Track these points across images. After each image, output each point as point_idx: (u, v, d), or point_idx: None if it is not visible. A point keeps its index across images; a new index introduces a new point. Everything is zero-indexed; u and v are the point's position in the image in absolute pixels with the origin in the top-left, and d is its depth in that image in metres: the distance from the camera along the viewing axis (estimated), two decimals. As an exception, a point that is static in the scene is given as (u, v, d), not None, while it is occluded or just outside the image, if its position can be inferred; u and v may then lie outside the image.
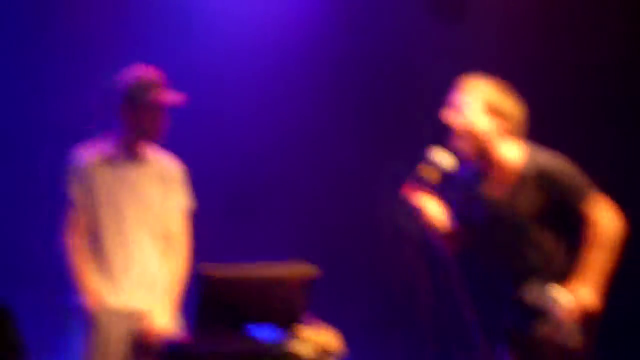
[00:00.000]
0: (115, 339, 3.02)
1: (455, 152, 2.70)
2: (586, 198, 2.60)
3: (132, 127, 3.11)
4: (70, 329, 3.10)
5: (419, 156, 2.67)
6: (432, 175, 2.67)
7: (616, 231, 2.59)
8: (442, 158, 2.66)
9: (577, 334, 2.56)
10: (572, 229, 2.67)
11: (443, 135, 2.72)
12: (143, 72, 3.15)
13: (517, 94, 2.72)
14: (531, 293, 2.62)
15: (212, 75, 4.60)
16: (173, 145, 3.29)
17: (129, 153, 3.16)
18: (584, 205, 2.60)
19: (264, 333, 2.51)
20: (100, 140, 3.21)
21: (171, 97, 3.11)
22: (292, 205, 4.63)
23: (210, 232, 3.59)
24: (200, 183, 3.38)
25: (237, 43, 4.69)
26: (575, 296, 2.53)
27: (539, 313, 2.58)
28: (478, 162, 2.72)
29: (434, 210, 2.71)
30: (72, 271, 3.06)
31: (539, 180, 2.61)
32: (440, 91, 2.88)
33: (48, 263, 3.48)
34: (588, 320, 2.56)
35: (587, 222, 2.60)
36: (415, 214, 2.69)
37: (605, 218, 2.58)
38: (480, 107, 2.64)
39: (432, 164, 2.66)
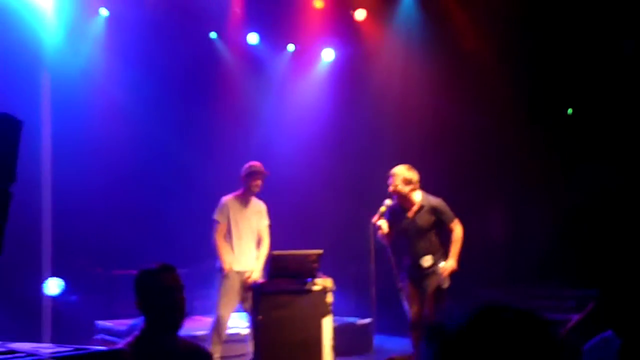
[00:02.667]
0: (236, 284, 5.79)
1: (392, 198, 5.33)
2: (452, 220, 5.19)
3: (248, 189, 5.89)
4: (216, 279, 5.89)
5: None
6: (383, 210, 5.32)
7: (462, 236, 5.17)
8: (387, 202, 5.30)
9: (446, 281, 5.17)
10: (443, 235, 5.27)
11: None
12: (252, 164, 5.91)
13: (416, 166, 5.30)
14: (426, 262, 5.23)
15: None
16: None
17: (245, 199, 5.94)
18: (450, 224, 5.18)
19: (301, 281, 5.27)
20: (235, 193, 5.95)
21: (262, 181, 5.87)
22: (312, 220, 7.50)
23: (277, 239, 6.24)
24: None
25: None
26: (447, 263, 5.14)
27: (429, 270, 5.22)
28: (402, 202, 5.33)
29: (384, 225, 5.34)
30: (218, 251, 5.83)
31: (430, 210, 5.21)
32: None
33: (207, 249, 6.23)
34: (451, 274, 5.17)
35: (451, 231, 5.19)
36: (378, 228, 5.35)
37: (458, 230, 5.18)
38: (402, 179, 5.24)
39: (385, 205, 5.31)
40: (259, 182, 5.85)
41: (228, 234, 5.86)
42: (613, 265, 6.83)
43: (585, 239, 7.08)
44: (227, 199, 5.91)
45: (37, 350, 2.22)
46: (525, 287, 7.25)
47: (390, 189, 5.26)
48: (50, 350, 2.26)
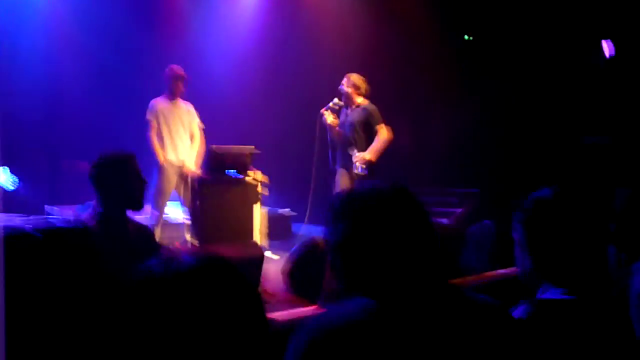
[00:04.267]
0: (172, 175, 6.29)
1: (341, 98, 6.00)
2: (378, 123, 5.90)
3: (172, 91, 6.30)
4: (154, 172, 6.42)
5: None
6: (333, 106, 6.00)
7: (386, 139, 5.93)
8: (336, 100, 6.03)
9: (358, 167, 5.86)
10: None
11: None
12: (172, 66, 6.31)
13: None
14: (351, 150, 5.91)
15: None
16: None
17: (171, 99, 6.33)
18: (376, 126, 5.90)
19: (235, 174, 5.96)
20: (162, 95, 6.34)
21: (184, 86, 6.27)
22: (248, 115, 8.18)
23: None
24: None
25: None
26: (363, 153, 5.87)
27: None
28: (346, 101, 5.99)
29: (329, 116, 6.03)
30: (152, 146, 6.26)
31: (363, 110, 5.91)
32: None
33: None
34: (370, 164, 5.89)
35: (377, 133, 5.94)
36: (322, 116, 6.00)
37: (382, 132, 5.90)
38: (351, 83, 5.91)
39: (333, 102, 5.99)
40: (181, 86, 6.24)
41: (160, 131, 6.23)
42: (492, 171, 7.90)
43: (472, 149, 8.17)
44: (156, 100, 6.29)
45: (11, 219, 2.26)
46: (420, 187, 8.31)
47: (344, 86, 5.91)
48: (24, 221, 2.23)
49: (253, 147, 6.02)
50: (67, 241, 1.24)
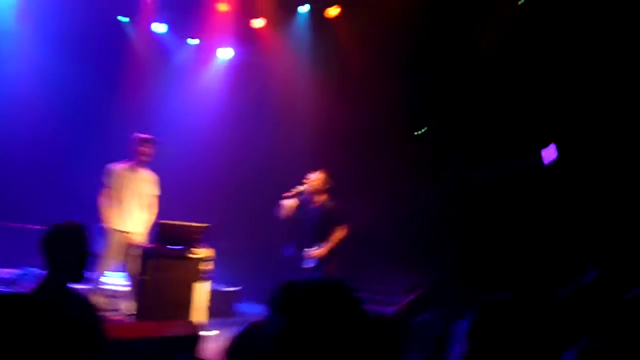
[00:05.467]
0: (119, 243, 6.14)
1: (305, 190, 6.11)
2: (339, 225, 6.05)
3: (138, 157, 6.26)
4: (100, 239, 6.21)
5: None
6: (295, 195, 6.09)
7: (340, 237, 6.03)
8: (301, 188, 6.11)
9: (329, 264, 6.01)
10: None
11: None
12: (144, 136, 6.28)
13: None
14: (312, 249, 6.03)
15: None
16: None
17: (135, 166, 6.28)
18: (336, 227, 6.05)
19: (181, 249, 5.82)
20: (125, 161, 6.27)
21: (154, 148, 6.26)
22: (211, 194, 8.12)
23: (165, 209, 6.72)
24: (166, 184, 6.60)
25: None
26: (316, 250, 5.98)
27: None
28: (312, 197, 6.13)
29: (287, 203, 6.13)
30: (101, 211, 6.14)
31: (326, 210, 6.07)
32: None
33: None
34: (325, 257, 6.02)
35: (334, 232, 6.03)
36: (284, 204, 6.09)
37: (340, 232, 6.04)
38: (318, 181, 6.08)
39: (298, 190, 6.09)
40: (148, 150, 6.19)
41: (116, 199, 6.15)
42: (443, 258, 7.92)
43: (425, 237, 8.24)
44: (117, 165, 6.23)
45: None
46: (367, 273, 8.28)
47: (308, 184, 6.13)
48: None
49: (205, 224, 5.93)
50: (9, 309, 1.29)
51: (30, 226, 6.25)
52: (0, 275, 6.51)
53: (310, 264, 6.04)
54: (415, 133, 9.10)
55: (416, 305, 7.14)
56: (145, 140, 6.23)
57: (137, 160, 6.24)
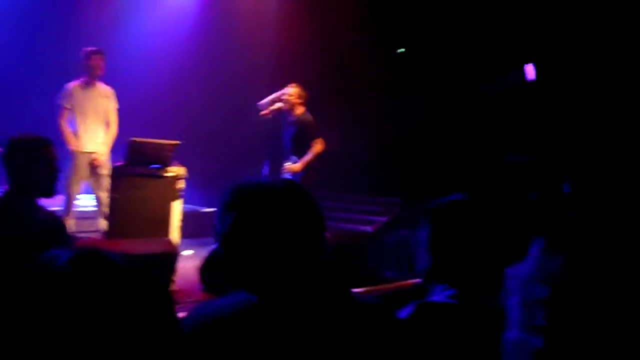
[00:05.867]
0: (84, 164, 6.00)
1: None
2: (313, 138, 6.05)
3: (90, 72, 5.99)
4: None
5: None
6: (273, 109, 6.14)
7: (317, 152, 6.00)
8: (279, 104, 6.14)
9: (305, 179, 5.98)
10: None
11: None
12: (91, 49, 5.99)
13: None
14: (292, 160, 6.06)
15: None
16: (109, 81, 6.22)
17: (89, 83, 6.03)
18: (311, 141, 6.07)
19: (156, 167, 5.65)
20: (79, 79, 6.02)
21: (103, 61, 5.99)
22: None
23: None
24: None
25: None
26: (293, 164, 5.96)
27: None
28: (289, 110, 6.18)
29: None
30: (63, 134, 5.94)
31: (302, 121, 6.12)
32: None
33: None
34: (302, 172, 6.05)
35: (311, 146, 5.97)
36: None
37: (317, 147, 6.07)
38: (296, 94, 6.11)
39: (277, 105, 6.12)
40: (99, 62, 5.94)
41: (73, 118, 5.96)
42: (415, 181, 7.95)
43: (396, 159, 8.19)
44: (72, 84, 5.98)
45: None
46: (346, 193, 8.25)
47: (285, 96, 6.26)
48: None
49: (177, 141, 5.72)
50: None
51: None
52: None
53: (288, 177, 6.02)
54: (398, 51, 8.86)
55: (392, 224, 7.18)
56: (94, 52, 5.94)
57: (89, 75, 5.97)
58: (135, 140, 5.67)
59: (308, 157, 6.15)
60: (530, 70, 8.03)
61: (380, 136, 8.12)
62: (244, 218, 1.33)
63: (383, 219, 7.62)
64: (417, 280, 3.58)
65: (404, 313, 1.68)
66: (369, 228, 7.16)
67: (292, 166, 6.20)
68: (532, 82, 8.14)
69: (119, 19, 7.95)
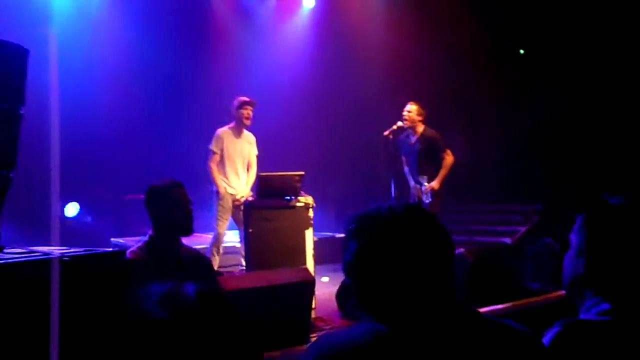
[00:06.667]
0: (229, 204, 6.36)
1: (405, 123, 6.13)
2: (443, 150, 6.07)
3: (240, 121, 6.35)
4: (213, 201, 6.43)
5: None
6: (396, 129, 6.19)
7: (451, 164, 5.90)
8: (399, 124, 6.23)
9: (427, 196, 6.00)
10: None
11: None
12: (245, 99, 6.35)
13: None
14: (422, 179, 6.08)
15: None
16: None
17: (237, 130, 6.39)
18: (441, 153, 6.08)
19: (287, 199, 5.78)
20: (228, 126, 6.39)
21: (252, 112, 6.33)
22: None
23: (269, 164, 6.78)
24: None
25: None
26: (431, 183, 5.96)
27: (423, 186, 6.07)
28: (410, 128, 6.23)
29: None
30: (213, 177, 6.35)
31: (427, 139, 6.14)
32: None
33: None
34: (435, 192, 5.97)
35: (442, 160, 6.00)
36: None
37: (449, 159, 6.03)
38: (416, 111, 6.11)
39: (397, 125, 6.16)
40: (249, 112, 6.28)
41: (222, 162, 6.36)
42: (555, 185, 7.43)
43: (532, 162, 7.70)
44: (222, 130, 6.37)
45: (51, 251, 2.35)
46: (481, 204, 7.90)
47: (405, 115, 6.30)
48: (63, 251, 2.40)
49: (302, 172, 5.83)
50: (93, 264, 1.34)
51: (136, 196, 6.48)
52: (130, 242, 6.89)
53: (429, 198, 6.11)
54: (521, 51, 8.46)
55: (533, 233, 6.75)
56: (247, 103, 6.29)
57: (238, 123, 6.32)
58: (263, 176, 5.88)
59: (443, 171, 6.12)
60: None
61: (511, 141, 7.72)
62: (367, 247, 1.30)
63: (522, 228, 7.19)
64: (563, 292, 3.31)
65: (549, 335, 1.50)
66: (507, 239, 6.79)
67: (431, 184, 6.15)
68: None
69: (246, 63, 8.35)
